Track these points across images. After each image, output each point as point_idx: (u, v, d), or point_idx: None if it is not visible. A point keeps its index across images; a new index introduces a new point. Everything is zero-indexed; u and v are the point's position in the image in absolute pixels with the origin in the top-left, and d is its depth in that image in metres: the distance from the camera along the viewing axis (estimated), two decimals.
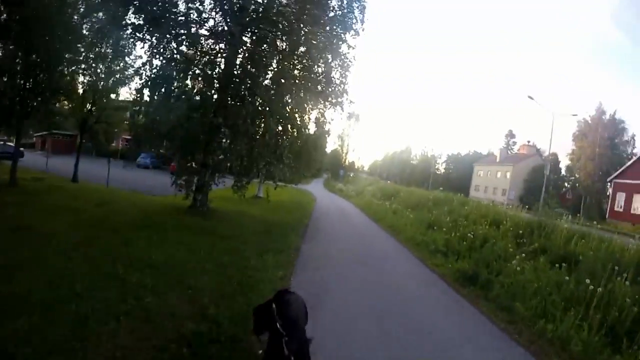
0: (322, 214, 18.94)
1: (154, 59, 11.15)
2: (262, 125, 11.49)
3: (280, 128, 11.55)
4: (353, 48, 11.79)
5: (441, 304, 6.94)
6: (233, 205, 15.07)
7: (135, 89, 11.86)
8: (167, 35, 10.64)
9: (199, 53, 11.58)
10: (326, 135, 14.65)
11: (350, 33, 11.66)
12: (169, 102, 10.75)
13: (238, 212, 13.79)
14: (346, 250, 10.26)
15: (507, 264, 9.24)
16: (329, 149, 75.91)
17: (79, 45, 14.24)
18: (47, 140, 40.58)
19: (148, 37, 10.86)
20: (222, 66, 11.54)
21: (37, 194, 12.25)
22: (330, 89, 11.62)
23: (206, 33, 11.28)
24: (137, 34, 10.94)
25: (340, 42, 11.45)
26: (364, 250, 10.75)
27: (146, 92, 11.25)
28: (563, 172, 61.06)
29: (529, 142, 64.50)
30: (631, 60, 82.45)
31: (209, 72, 11.47)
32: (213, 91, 11.52)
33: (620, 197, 38.65)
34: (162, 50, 11.04)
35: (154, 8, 10.11)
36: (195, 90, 11.64)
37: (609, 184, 42.75)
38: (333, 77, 11.75)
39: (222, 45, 11.45)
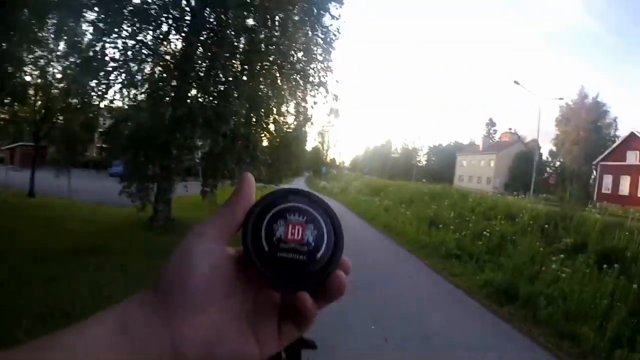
0: None
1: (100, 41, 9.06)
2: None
3: (253, 119, 9.48)
4: (337, 18, 9.86)
5: (486, 338, 5.09)
6: (202, 213, 12.91)
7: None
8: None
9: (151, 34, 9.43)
10: (308, 125, 12.64)
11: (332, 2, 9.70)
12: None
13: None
14: None
15: (542, 269, 7.53)
16: (309, 147, 74.46)
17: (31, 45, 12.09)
18: (16, 153, 37.22)
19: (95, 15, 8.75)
20: (179, 46, 9.46)
21: None
22: (310, 67, 9.68)
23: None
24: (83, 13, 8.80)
25: (322, 12, 9.48)
26: (362, 261, 8.63)
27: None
28: (544, 157, 60.89)
29: (510, 129, 64.37)
30: (604, 46, 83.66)
31: (164, 56, 9.40)
32: (169, 77, 9.37)
33: (607, 179, 38.32)
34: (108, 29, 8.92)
35: None
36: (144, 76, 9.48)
37: (594, 167, 41.91)
38: (314, 53, 9.82)
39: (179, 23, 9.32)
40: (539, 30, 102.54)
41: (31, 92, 15.60)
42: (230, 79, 8.59)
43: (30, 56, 13.21)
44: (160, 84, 9.39)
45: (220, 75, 8.56)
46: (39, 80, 14.91)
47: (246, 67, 8.94)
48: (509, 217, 11.01)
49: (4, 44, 11.36)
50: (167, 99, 8.84)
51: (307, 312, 0.35)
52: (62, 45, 12.47)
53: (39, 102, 16.03)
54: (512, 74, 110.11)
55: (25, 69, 13.93)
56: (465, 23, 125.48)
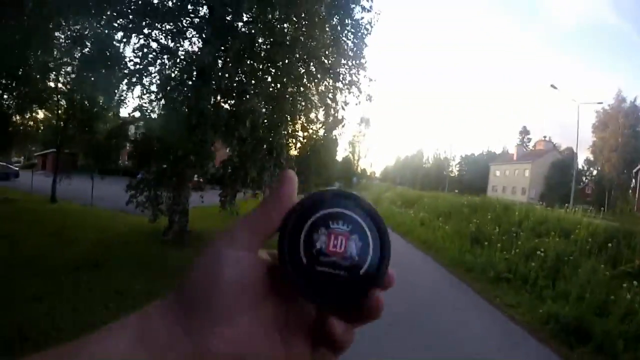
0: None
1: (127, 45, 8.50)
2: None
3: (277, 123, 8.53)
4: (368, 11, 8.82)
5: None
6: (221, 225, 12.04)
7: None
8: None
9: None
10: (339, 128, 11.57)
11: None
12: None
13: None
14: None
15: (611, 297, 6.31)
16: (340, 157, 73.72)
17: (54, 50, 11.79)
18: (48, 159, 37.74)
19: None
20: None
21: None
22: (340, 65, 8.69)
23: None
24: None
25: (352, 4, 8.50)
26: (399, 285, 7.60)
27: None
28: (580, 165, 58.39)
29: (545, 137, 62.78)
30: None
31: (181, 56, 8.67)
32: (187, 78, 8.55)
33: None
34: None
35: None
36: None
37: (634, 174, 39.72)
38: (344, 49, 8.83)
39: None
40: (570, 32, 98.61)
41: (55, 97, 15.33)
42: (247, 74, 7.70)
43: (52, 62, 12.89)
44: (179, 87, 8.63)
45: (239, 72, 7.70)
46: (61, 86, 14.61)
47: (268, 63, 8.04)
48: (563, 234, 9.68)
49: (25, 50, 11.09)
50: (184, 103, 8.03)
51: (336, 337, 0.32)
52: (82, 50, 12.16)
53: (62, 109, 15.76)
54: (545, 80, 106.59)
55: (51, 74, 13.65)
56: (496, 28, 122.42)
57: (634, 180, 40.38)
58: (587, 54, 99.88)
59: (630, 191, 43.79)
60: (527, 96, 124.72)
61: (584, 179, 56.87)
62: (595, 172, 54.96)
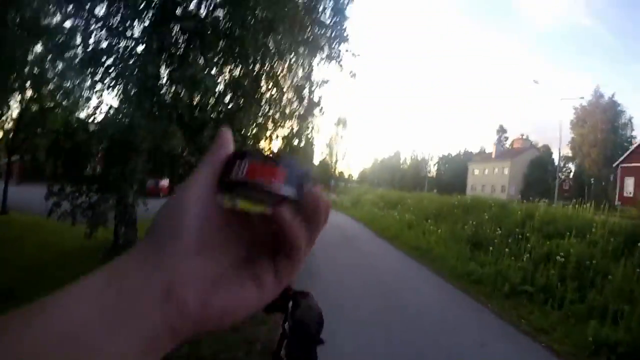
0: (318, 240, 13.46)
1: None
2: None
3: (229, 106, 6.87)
4: None
5: None
6: None
7: None
8: None
9: None
10: (317, 113, 9.87)
11: None
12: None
13: None
14: (364, 321, 5.13)
15: None
16: (316, 160, 71.99)
17: None
18: (14, 167, 34.87)
19: None
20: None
21: None
22: (317, 32, 7.16)
23: None
24: None
25: None
26: (398, 312, 5.84)
27: None
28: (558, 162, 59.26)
29: (522, 135, 62.94)
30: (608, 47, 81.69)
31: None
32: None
33: (629, 182, 36.50)
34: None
35: None
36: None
37: (614, 169, 39.57)
38: (320, 14, 7.29)
39: None
40: (546, 32, 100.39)
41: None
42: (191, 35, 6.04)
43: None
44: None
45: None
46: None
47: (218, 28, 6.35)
48: (579, 234, 8.42)
49: None
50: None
51: (288, 228, 0.33)
52: None
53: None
54: (522, 80, 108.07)
55: None
56: (472, 29, 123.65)
57: (612, 176, 40.72)
58: (563, 54, 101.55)
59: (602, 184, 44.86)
60: (504, 96, 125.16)
61: (560, 175, 57.45)
62: (574, 168, 55.50)
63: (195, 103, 6.76)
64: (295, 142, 9.69)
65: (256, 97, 6.70)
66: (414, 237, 12.36)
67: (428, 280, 8.19)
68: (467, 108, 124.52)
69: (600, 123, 46.45)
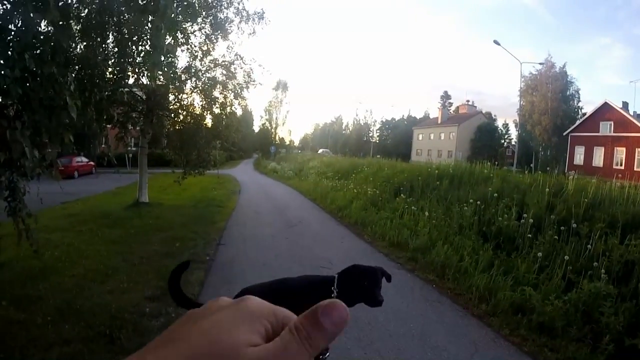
0: (247, 231, 8.74)
1: None
2: None
3: None
4: None
5: None
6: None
7: None
8: None
9: None
10: (239, 65, 10.30)
11: None
12: None
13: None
14: None
15: None
16: (256, 127, 66.68)
17: None
18: None
19: None
20: None
21: None
22: None
23: None
24: None
25: None
26: None
27: None
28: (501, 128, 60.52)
29: (468, 101, 63.10)
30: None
31: None
32: None
33: (580, 150, 38.23)
34: None
35: None
36: None
37: (565, 137, 40.92)
38: None
39: None
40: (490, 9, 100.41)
41: None
42: None
43: None
44: None
45: None
46: None
47: None
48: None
49: None
50: None
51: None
52: None
53: None
54: (465, 43, 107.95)
55: None
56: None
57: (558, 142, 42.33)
58: (505, 33, 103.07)
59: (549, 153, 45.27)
60: (450, 59, 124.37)
61: (512, 141, 59.03)
62: (522, 135, 55.83)
63: None
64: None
65: None
66: (390, 225, 8.41)
67: (436, 308, 4.19)
68: (409, 72, 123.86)
69: (552, 92, 46.06)
